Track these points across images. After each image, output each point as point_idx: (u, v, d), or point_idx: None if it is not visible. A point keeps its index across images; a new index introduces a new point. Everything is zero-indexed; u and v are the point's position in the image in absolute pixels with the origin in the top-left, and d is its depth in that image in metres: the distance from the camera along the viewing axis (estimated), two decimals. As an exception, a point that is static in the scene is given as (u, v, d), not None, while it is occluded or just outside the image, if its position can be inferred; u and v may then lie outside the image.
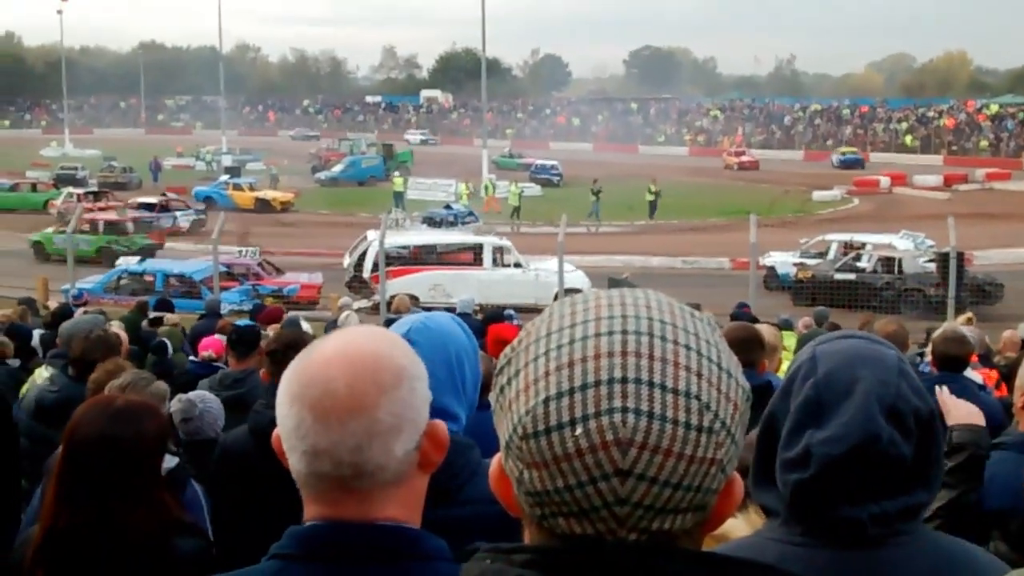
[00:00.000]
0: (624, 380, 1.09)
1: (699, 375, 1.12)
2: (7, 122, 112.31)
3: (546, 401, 1.11)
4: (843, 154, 74.66)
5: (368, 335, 1.55)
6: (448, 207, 40.33)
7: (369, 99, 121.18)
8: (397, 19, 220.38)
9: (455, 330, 2.61)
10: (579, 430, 1.08)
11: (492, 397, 1.21)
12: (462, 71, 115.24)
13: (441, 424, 1.55)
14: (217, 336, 9.85)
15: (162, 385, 4.70)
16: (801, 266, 27.66)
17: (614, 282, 24.74)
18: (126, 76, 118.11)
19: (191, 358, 9.14)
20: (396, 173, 54.47)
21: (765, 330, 5.76)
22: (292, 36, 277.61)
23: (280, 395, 1.48)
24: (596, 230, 41.81)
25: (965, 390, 5.61)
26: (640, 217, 45.91)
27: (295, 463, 1.48)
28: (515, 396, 1.15)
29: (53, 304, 18.55)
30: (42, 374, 7.33)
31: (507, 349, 1.21)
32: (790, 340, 10.37)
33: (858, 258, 27.02)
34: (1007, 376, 6.01)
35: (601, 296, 1.19)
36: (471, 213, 39.38)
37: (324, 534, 1.50)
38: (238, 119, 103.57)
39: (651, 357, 1.11)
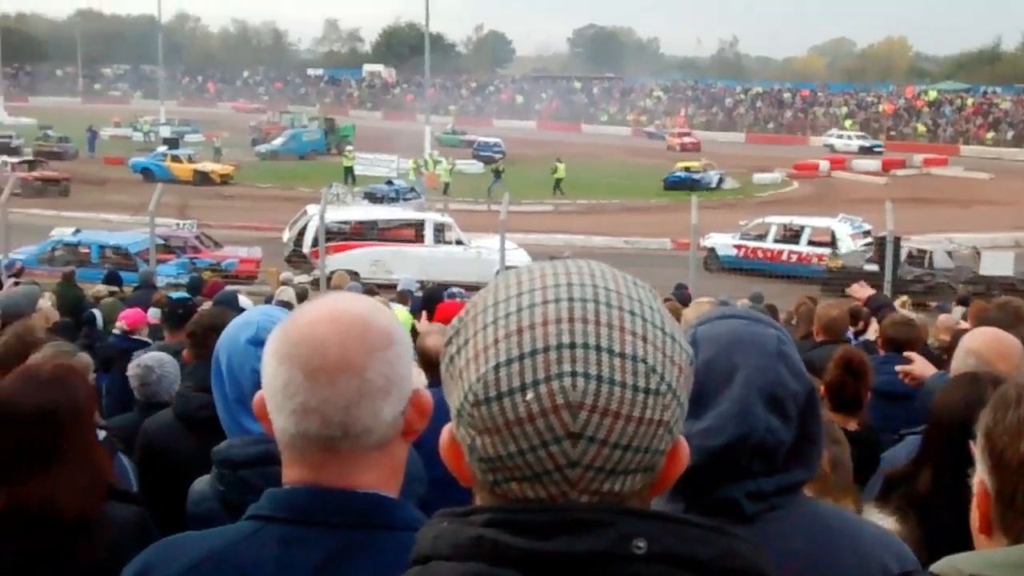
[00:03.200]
0: (572, 345, 1.11)
1: (644, 339, 1.14)
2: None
3: (496, 368, 1.12)
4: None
5: (354, 299, 1.56)
6: (390, 183, 40.02)
7: (311, 72, 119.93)
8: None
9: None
10: (530, 395, 1.10)
11: (442, 367, 1.21)
12: (405, 46, 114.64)
13: (426, 393, 1.54)
14: (140, 309, 9.72)
15: (84, 357, 4.62)
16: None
17: (555, 260, 24.84)
18: (63, 44, 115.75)
19: (115, 331, 8.99)
20: (348, 148, 54.04)
21: (706, 308, 5.77)
22: (233, 6, 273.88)
23: (267, 356, 1.49)
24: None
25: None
26: (581, 196, 46.01)
27: (282, 423, 1.48)
28: (465, 364, 1.16)
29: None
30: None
31: (455, 320, 1.22)
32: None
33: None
34: (938, 360, 6.19)
35: (546, 266, 1.22)
36: (412, 189, 39.12)
37: (303, 498, 1.50)
38: (177, 89, 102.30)
39: (597, 323, 1.13)
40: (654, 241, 33.05)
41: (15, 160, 45.68)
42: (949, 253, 26.34)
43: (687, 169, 52.14)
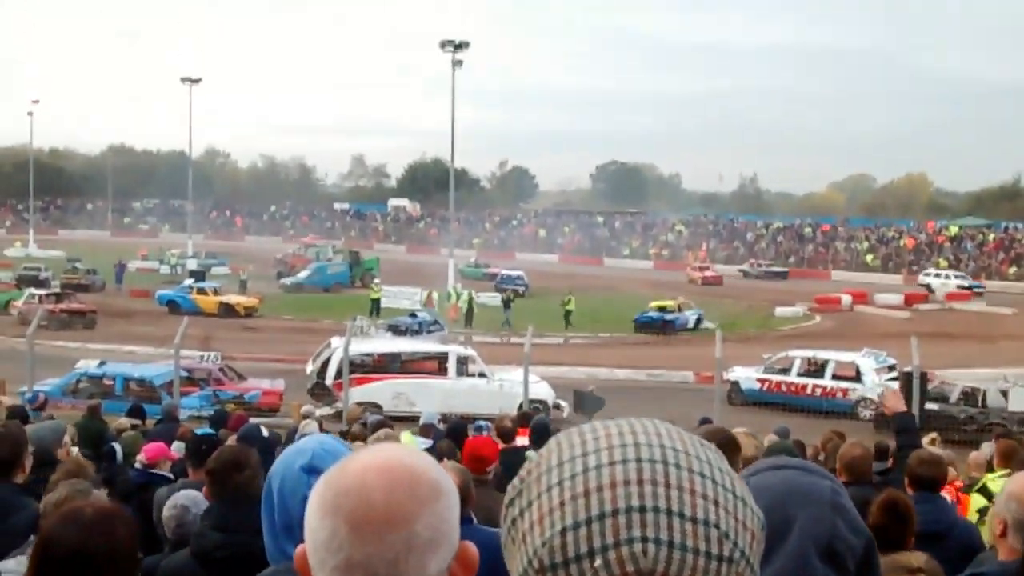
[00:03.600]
0: (642, 509, 1.08)
1: (716, 503, 1.10)
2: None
3: (563, 532, 1.09)
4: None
5: (400, 450, 1.51)
6: (413, 315, 40.21)
7: (337, 206, 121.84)
8: (367, 129, 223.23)
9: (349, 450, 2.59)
10: (598, 561, 1.06)
11: (503, 530, 1.19)
12: (430, 181, 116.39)
13: (472, 546, 1.47)
14: (163, 443, 9.68)
15: (99, 495, 4.60)
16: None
17: (579, 394, 24.75)
18: (94, 178, 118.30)
19: (135, 465, 8.95)
20: (376, 281, 54.64)
21: (745, 439, 5.71)
22: (262, 142, 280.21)
23: (311, 507, 1.42)
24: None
25: (943, 511, 5.62)
26: (604, 329, 46.13)
27: None
28: (529, 528, 1.13)
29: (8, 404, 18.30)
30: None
31: (515, 480, 1.19)
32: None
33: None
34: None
35: (610, 425, 1.18)
36: (436, 322, 39.30)
37: None
38: (205, 223, 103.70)
39: (667, 485, 1.10)
40: (676, 374, 32.98)
41: (43, 292, 46.18)
42: (1004, 393, 25.57)
43: (661, 308, 49.07)
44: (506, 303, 46.69)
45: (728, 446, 4.90)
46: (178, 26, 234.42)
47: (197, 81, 79.47)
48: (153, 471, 8.54)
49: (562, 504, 1.10)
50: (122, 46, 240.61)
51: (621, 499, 1.08)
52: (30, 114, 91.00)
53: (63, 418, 16.57)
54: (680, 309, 48.79)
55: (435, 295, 49.50)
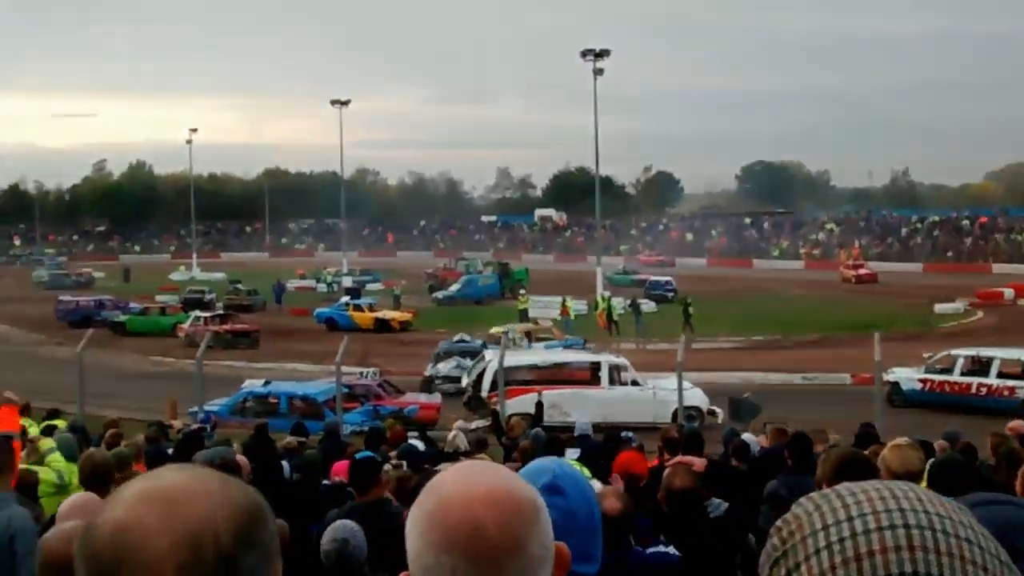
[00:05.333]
0: (915, 575, 1.09)
1: (985, 569, 1.12)
2: (138, 247, 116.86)
3: None
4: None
5: (492, 472, 1.53)
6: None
7: (484, 218, 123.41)
8: (512, 141, 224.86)
9: (582, 473, 2.67)
10: None
11: None
12: (575, 189, 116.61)
13: (564, 546, 1.53)
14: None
15: (280, 524, 4.90)
16: None
17: (735, 401, 24.55)
18: (251, 201, 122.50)
19: (324, 481, 9.33)
20: (522, 292, 55.24)
21: (910, 453, 5.58)
22: (410, 159, 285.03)
23: (421, 545, 1.43)
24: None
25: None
26: (757, 332, 45.56)
27: None
28: None
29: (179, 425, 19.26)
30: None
31: (775, 540, 1.21)
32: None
33: None
34: None
35: (868, 489, 1.19)
36: (585, 342, 38.60)
37: None
38: (358, 241, 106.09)
39: (938, 552, 1.11)
40: (833, 376, 32.38)
41: (207, 314, 47.80)
42: None
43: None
44: (637, 309, 46.39)
45: (866, 468, 4.89)
46: (324, 48, 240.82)
47: (346, 103, 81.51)
48: (343, 487, 8.84)
49: (833, 568, 1.12)
50: (272, 71, 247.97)
51: (894, 565, 1.10)
52: (188, 142, 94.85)
53: (231, 437, 17.43)
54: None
55: (569, 304, 49.47)
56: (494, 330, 37.60)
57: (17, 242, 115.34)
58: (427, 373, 32.45)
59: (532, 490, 1.51)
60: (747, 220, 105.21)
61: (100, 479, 6.43)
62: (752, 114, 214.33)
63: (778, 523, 1.23)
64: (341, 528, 5.61)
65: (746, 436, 13.81)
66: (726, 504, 6.31)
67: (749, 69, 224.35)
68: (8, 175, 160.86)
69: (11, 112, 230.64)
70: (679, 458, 5.74)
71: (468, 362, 32.02)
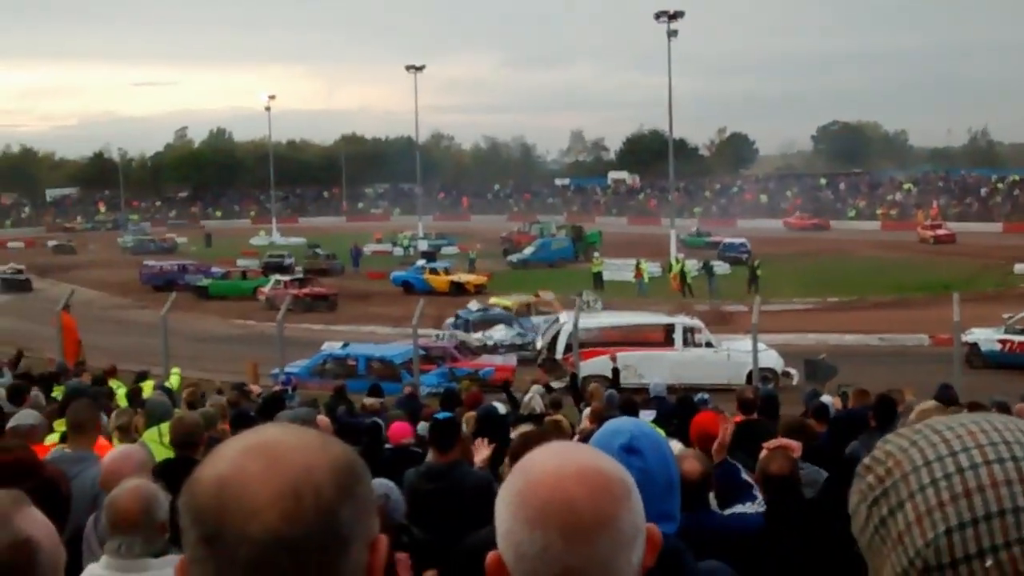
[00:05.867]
0: None
1: None
2: (219, 213, 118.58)
3: (948, 532, 1.10)
4: None
5: (579, 450, 1.57)
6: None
7: (558, 182, 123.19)
8: (585, 104, 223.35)
9: (660, 434, 2.79)
10: (989, 561, 1.07)
11: (866, 528, 1.20)
12: (649, 152, 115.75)
13: (655, 527, 1.56)
14: (406, 423, 10.20)
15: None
16: None
17: (810, 362, 24.52)
18: (328, 167, 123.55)
19: (387, 445, 9.47)
20: (596, 254, 55.35)
21: (935, 415, 5.73)
22: (484, 123, 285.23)
23: (512, 522, 1.45)
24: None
25: None
26: (832, 294, 45.19)
27: None
28: (906, 528, 1.13)
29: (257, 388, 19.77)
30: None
31: (870, 479, 1.20)
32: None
33: None
34: None
35: (967, 423, 1.18)
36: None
37: None
38: (433, 205, 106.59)
39: None
40: (910, 337, 32.11)
41: (287, 278, 48.67)
42: None
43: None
44: (710, 271, 46.32)
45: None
46: (399, 14, 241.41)
47: (421, 68, 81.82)
48: (405, 447, 9.06)
49: (942, 504, 1.11)
50: (348, 38, 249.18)
51: (1007, 499, 1.08)
52: (267, 108, 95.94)
53: (311, 397, 17.92)
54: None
55: (644, 266, 49.43)
56: (494, 300, 38.39)
57: (103, 209, 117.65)
58: (475, 341, 32.07)
59: (622, 469, 1.53)
60: (822, 181, 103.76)
61: (190, 440, 6.71)
62: (828, 74, 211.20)
63: (867, 461, 1.22)
64: (378, 485, 5.63)
65: (823, 398, 13.94)
66: (823, 473, 6.28)
67: (825, 28, 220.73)
68: (93, 143, 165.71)
69: (96, 82, 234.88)
70: (778, 441, 5.79)
71: (524, 325, 32.34)
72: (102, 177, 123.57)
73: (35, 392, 11.83)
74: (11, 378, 16.06)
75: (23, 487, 2.25)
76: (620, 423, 2.68)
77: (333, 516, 1.24)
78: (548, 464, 1.47)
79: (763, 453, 5.52)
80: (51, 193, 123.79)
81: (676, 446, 6.17)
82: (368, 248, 71.99)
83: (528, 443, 4.59)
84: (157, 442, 7.72)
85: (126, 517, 3.82)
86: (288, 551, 1.21)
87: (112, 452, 5.36)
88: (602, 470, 1.48)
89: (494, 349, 31.13)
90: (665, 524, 2.37)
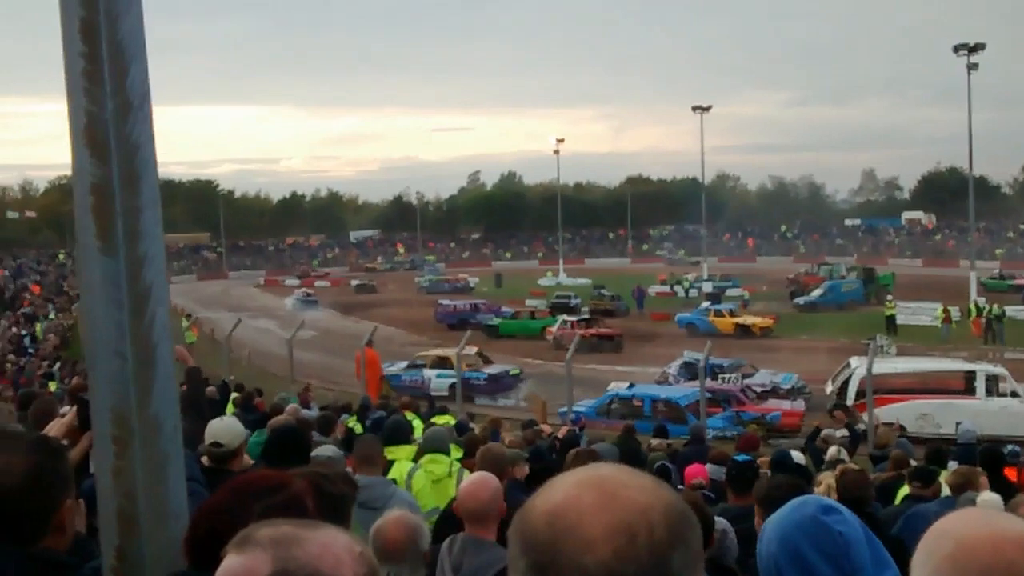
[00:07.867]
0: None
1: None
2: (509, 254, 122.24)
3: None
4: None
5: (995, 514, 1.56)
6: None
7: (848, 222, 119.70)
8: (877, 142, 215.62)
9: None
10: None
11: None
12: (946, 191, 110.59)
13: None
14: (700, 464, 10.31)
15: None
16: None
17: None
18: (614, 209, 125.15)
19: (679, 486, 9.59)
20: (889, 298, 53.46)
21: None
22: (771, 163, 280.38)
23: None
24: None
25: None
26: None
27: None
28: None
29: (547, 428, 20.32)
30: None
31: None
32: None
33: None
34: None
35: None
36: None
37: None
38: (718, 246, 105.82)
39: None
40: None
41: (574, 319, 49.39)
42: None
43: None
44: (999, 317, 43.78)
45: None
46: (685, 55, 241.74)
47: (707, 109, 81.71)
48: (703, 490, 9.23)
49: None
50: (635, 81, 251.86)
51: None
52: (556, 152, 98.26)
53: (598, 436, 18.29)
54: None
55: (952, 311, 47.15)
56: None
57: (401, 249, 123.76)
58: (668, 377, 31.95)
59: None
60: None
61: (497, 468, 7.08)
62: None
63: None
64: (719, 521, 5.75)
65: None
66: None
67: None
68: (394, 187, 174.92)
69: (396, 128, 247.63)
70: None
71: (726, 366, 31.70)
72: (401, 219, 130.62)
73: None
74: (317, 410, 17.25)
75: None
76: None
77: (665, 560, 1.22)
78: (980, 529, 1.46)
79: None
80: (355, 235, 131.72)
81: (990, 498, 5.89)
82: (652, 289, 72.11)
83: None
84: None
85: (394, 546, 3.98)
86: None
87: (471, 477, 5.50)
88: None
89: (777, 393, 30.61)
90: None
